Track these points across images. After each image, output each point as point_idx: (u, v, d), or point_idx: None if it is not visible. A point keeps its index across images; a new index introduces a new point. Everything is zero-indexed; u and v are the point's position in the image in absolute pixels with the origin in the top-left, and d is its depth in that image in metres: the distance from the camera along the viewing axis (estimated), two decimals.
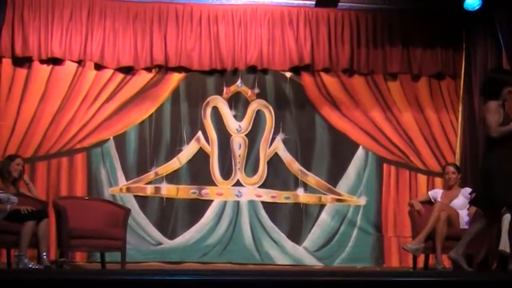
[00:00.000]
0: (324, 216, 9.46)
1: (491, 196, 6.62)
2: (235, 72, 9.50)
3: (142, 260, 8.98)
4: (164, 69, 9.36)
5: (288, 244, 9.34)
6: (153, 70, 9.37)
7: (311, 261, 9.32)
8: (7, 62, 9.06)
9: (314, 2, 9.53)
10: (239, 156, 9.46)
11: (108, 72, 9.26)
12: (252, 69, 9.49)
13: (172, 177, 9.32)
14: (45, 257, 7.51)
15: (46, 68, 9.14)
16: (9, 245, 7.81)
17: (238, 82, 9.55)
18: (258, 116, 9.57)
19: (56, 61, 9.14)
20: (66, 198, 8.59)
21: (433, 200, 8.52)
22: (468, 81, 9.56)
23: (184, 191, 9.32)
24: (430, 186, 9.47)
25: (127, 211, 8.44)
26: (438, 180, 9.44)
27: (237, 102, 9.55)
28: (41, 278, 4.57)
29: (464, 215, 8.34)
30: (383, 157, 9.62)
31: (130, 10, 9.27)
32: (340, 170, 9.57)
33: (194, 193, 9.34)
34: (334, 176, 9.55)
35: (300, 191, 9.49)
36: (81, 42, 9.13)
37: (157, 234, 9.19)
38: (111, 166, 9.21)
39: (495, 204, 6.73)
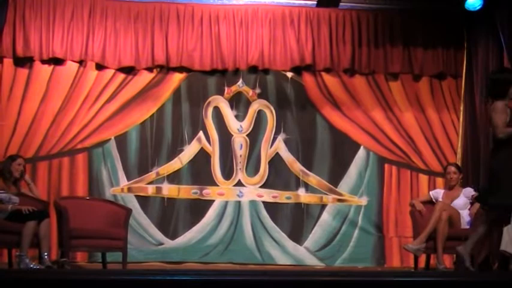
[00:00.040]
0: (325, 216, 9.46)
1: (497, 197, 6.62)
2: (236, 72, 9.50)
3: (143, 260, 8.98)
4: (165, 69, 9.36)
5: (289, 244, 9.34)
6: (155, 70, 9.37)
7: (312, 261, 9.32)
8: (8, 62, 9.06)
9: (315, 2, 9.53)
10: (240, 156, 9.46)
11: (109, 72, 9.26)
12: (253, 69, 9.49)
13: (174, 177, 9.32)
14: (46, 257, 7.52)
15: (47, 68, 9.14)
16: (10, 245, 7.81)
17: (240, 82, 9.55)
18: (259, 116, 9.57)
19: (57, 61, 9.14)
20: (67, 198, 8.58)
21: (434, 200, 8.52)
22: (469, 81, 9.55)
23: (186, 191, 9.32)
24: (431, 186, 9.46)
25: (128, 211, 8.45)
26: (439, 180, 9.43)
27: (238, 102, 9.55)
28: (42, 278, 4.57)
29: (465, 215, 8.34)
30: (384, 157, 9.62)
31: (132, 10, 9.27)
32: (342, 170, 9.57)
33: (195, 193, 9.34)
34: (335, 176, 9.55)
35: (301, 191, 9.49)
36: (82, 42, 9.13)
37: (158, 234, 9.19)
38: (113, 166, 9.21)
39: (501, 205, 6.73)
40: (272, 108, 9.58)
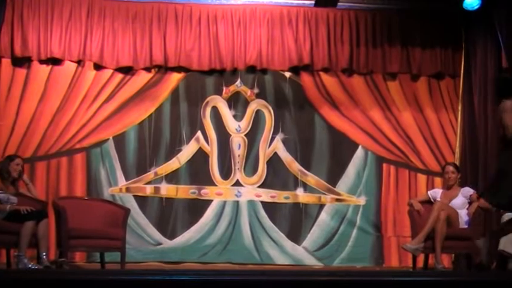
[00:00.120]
0: (324, 216, 9.46)
1: (504, 195, 6.62)
2: (234, 72, 9.50)
3: (141, 260, 8.98)
4: (163, 69, 9.36)
5: (288, 244, 9.34)
6: (153, 70, 9.37)
7: (311, 261, 9.32)
8: (6, 62, 9.06)
9: (313, 2, 9.53)
10: (238, 156, 9.46)
11: (107, 72, 9.26)
12: (251, 69, 9.49)
13: (172, 177, 9.32)
14: (44, 257, 7.52)
15: (45, 68, 9.14)
16: (8, 245, 7.80)
17: (238, 82, 9.55)
18: (258, 116, 9.57)
19: (55, 61, 9.14)
20: (65, 198, 8.58)
21: (432, 200, 8.52)
22: (467, 81, 9.56)
23: (184, 191, 9.32)
24: (430, 186, 9.47)
25: (126, 211, 8.44)
26: (438, 180, 9.44)
27: (237, 102, 9.55)
28: (41, 278, 4.57)
29: (463, 215, 8.35)
30: (382, 157, 9.62)
31: (130, 10, 9.27)
32: (340, 169, 9.58)
33: (194, 193, 9.34)
34: (333, 175, 9.55)
35: (300, 191, 9.49)
36: (80, 42, 9.13)
37: (156, 234, 9.19)
38: (111, 166, 9.21)
39: (508, 203, 6.73)
40: (270, 108, 9.58)
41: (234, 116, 9.52)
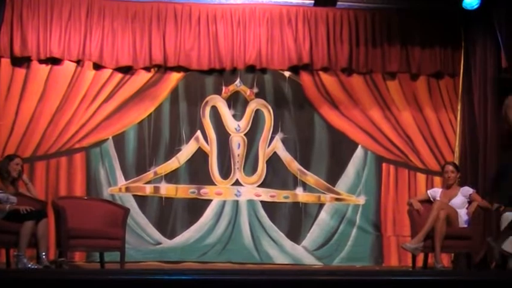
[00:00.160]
0: (323, 215, 9.46)
1: (507, 191, 6.63)
2: (234, 71, 9.50)
3: (141, 260, 8.98)
4: (163, 68, 9.36)
5: (287, 243, 9.34)
6: (152, 70, 9.37)
7: (310, 260, 9.32)
8: (6, 62, 9.06)
9: (313, 2, 9.53)
10: (238, 155, 9.46)
11: (107, 72, 9.26)
12: (250, 68, 9.49)
13: (172, 177, 9.32)
14: (44, 256, 7.52)
15: (45, 68, 9.14)
16: (8, 245, 7.80)
17: (237, 81, 9.55)
18: (257, 116, 9.57)
19: (54, 61, 9.14)
20: (65, 198, 8.58)
21: (432, 199, 8.52)
22: (467, 80, 9.56)
23: (184, 191, 9.32)
24: (429, 185, 9.46)
25: (126, 211, 8.44)
26: (437, 179, 9.44)
27: (236, 102, 9.55)
28: (40, 278, 4.57)
29: (463, 214, 8.35)
30: (382, 156, 9.62)
31: (129, 10, 9.27)
32: (339, 169, 9.58)
33: (193, 192, 9.34)
34: (333, 175, 9.55)
35: (299, 190, 9.49)
36: (80, 42, 9.12)
37: (156, 234, 9.19)
38: (110, 166, 9.21)
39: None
40: (270, 107, 9.58)
41: (234, 116, 9.52)
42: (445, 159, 9.42)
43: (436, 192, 8.64)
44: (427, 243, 8.09)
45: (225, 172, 9.42)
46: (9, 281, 4.42)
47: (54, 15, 9.10)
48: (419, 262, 8.40)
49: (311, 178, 9.51)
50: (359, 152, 9.61)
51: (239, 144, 9.49)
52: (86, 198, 8.89)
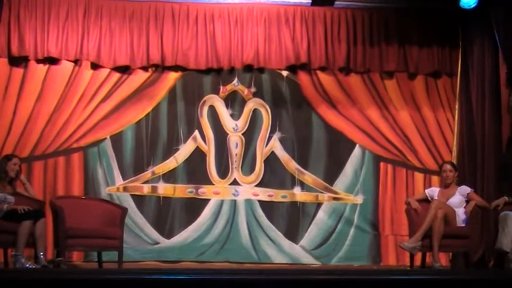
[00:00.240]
0: (321, 214, 9.46)
1: None
2: (231, 71, 9.49)
3: (139, 259, 8.98)
4: (161, 68, 9.36)
5: (285, 243, 9.34)
6: (150, 69, 9.36)
7: (308, 259, 9.32)
8: (3, 61, 9.04)
9: (310, 1, 9.53)
10: (236, 155, 9.46)
11: (104, 72, 9.25)
12: (248, 68, 9.49)
13: (169, 176, 9.31)
14: (42, 256, 7.51)
15: (42, 68, 9.13)
16: (6, 245, 7.78)
17: (235, 81, 9.55)
18: (255, 115, 9.57)
19: (52, 60, 9.13)
20: (63, 198, 8.57)
21: (429, 198, 8.52)
22: (465, 80, 9.56)
23: (181, 190, 9.32)
24: (427, 184, 9.47)
25: (124, 210, 8.43)
26: (435, 179, 9.45)
27: (234, 101, 9.54)
28: (38, 278, 4.57)
29: (461, 213, 8.35)
30: (380, 155, 9.62)
31: (127, 9, 9.26)
32: (337, 168, 9.57)
33: (191, 192, 9.34)
34: (331, 174, 9.55)
35: (297, 190, 9.49)
36: (77, 41, 9.11)
37: (154, 234, 9.18)
38: (108, 165, 9.21)
39: None
40: (267, 107, 9.58)
41: (231, 115, 9.52)
42: (442, 159, 9.42)
43: (433, 191, 8.64)
44: (425, 243, 8.09)
45: (223, 172, 9.42)
46: (7, 280, 4.43)
47: (51, 15, 9.09)
48: (417, 261, 8.41)
49: (309, 177, 9.51)
50: (357, 151, 9.61)
51: (237, 144, 9.49)
52: (83, 197, 8.88)
